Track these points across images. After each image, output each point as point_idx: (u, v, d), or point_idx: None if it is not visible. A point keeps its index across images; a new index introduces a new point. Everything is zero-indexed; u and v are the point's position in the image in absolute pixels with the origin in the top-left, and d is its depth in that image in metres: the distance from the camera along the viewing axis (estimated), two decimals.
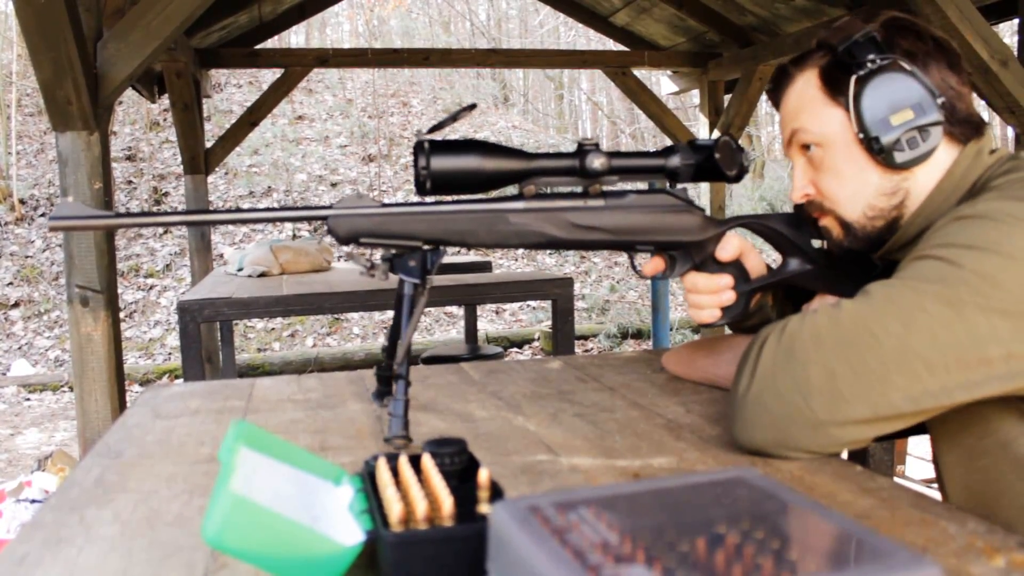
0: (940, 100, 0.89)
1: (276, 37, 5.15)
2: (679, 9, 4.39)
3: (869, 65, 0.89)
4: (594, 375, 1.23)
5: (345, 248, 0.91)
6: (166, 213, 0.90)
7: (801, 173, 0.98)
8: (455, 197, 0.92)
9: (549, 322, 6.56)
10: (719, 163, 0.96)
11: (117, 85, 2.24)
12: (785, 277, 1.05)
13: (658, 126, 5.15)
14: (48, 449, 3.88)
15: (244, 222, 0.90)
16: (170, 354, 6.59)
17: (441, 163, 0.87)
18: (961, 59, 0.92)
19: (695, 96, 5.68)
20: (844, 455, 0.86)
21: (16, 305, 6.97)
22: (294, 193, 8.61)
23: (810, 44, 0.99)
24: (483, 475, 0.60)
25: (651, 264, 1.04)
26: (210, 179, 5.02)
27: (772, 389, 0.80)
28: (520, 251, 8.36)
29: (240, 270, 3.23)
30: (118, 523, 0.70)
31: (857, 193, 0.94)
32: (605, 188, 0.96)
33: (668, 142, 5.27)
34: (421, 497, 0.57)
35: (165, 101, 5.57)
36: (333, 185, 8.86)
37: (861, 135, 0.90)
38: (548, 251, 8.00)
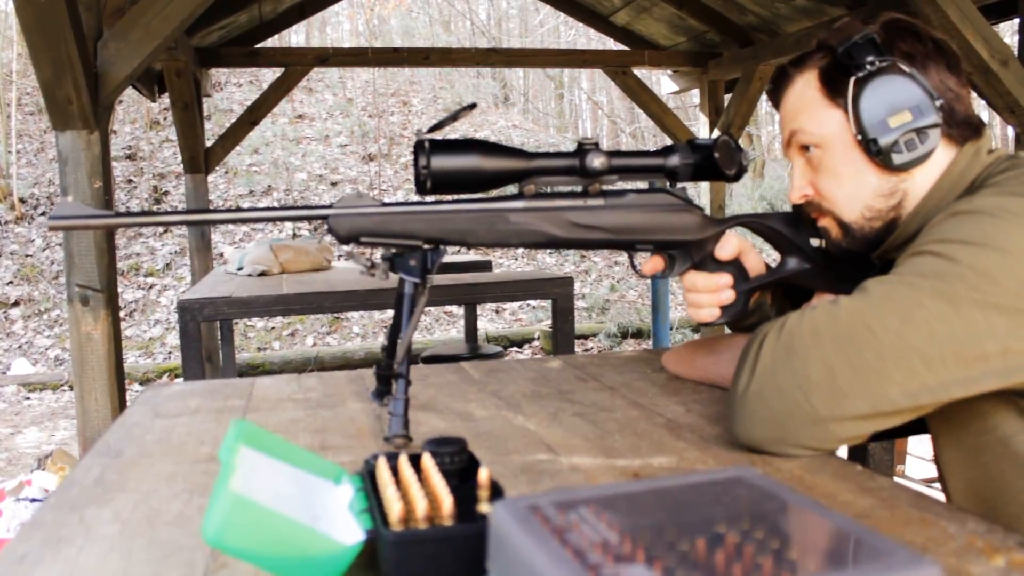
0: (939, 102, 0.89)
1: (276, 36, 5.15)
2: (679, 8, 4.39)
3: (868, 67, 0.89)
4: (594, 374, 1.23)
5: (345, 247, 0.91)
6: (166, 212, 0.90)
7: (800, 174, 0.99)
8: (455, 196, 0.92)
9: (549, 321, 6.56)
10: (718, 162, 0.96)
11: (117, 84, 2.24)
12: (784, 276, 1.05)
13: (658, 125, 5.15)
14: (48, 448, 3.88)
15: (244, 221, 0.90)
16: (170, 353, 6.59)
17: (441, 162, 0.87)
18: (960, 61, 0.92)
19: (695, 96, 5.68)
20: (844, 455, 0.86)
21: (16, 304, 6.97)
22: (294, 192, 8.61)
23: (810, 44, 0.99)
24: (483, 474, 0.60)
25: (651, 263, 1.05)
26: (210, 178, 5.02)
27: (772, 385, 0.80)
28: (520, 250, 8.36)
29: (240, 269, 3.23)
30: (118, 522, 0.70)
31: (855, 194, 0.94)
32: (605, 187, 0.96)
33: (668, 141, 5.27)
34: (421, 496, 0.57)
35: (165, 100, 5.58)
36: (333, 184, 8.86)
37: (859, 137, 0.90)
38: (548, 250, 8.00)
